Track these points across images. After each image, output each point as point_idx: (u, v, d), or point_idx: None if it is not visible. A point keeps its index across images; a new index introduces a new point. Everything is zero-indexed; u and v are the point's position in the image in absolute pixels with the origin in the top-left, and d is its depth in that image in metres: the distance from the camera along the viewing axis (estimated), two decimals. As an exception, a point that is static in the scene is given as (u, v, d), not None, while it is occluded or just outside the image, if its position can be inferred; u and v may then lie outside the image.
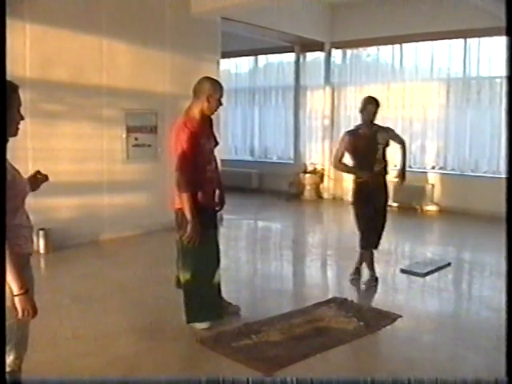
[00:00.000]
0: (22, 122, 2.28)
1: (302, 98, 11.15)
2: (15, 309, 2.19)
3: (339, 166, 5.26)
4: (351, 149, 5.13)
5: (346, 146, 5.14)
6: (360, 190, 5.18)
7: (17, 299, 2.18)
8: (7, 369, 2.29)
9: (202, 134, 3.99)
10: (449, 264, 6.06)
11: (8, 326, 2.23)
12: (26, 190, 2.36)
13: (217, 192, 4.24)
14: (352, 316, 4.32)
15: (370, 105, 5.13)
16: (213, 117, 4.15)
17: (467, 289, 5.80)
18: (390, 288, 5.56)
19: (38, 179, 2.55)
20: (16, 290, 2.18)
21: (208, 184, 4.06)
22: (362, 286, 5.29)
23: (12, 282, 2.17)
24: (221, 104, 4.03)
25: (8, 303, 2.18)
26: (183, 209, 3.87)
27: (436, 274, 5.79)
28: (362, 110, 5.16)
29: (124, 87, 7.09)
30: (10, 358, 2.30)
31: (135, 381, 3.30)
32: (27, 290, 2.21)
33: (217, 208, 4.28)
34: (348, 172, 5.44)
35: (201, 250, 3.93)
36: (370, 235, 5.23)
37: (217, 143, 4.24)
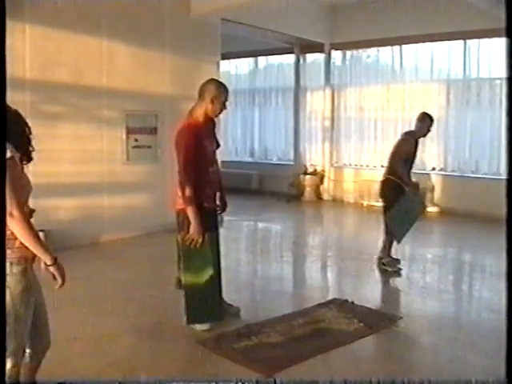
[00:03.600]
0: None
1: (301, 100, 11.15)
2: (53, 277, 2.36)
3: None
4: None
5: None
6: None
7: (52, 268, 2.35)
8: (7, 373, 2.30)
9: (205, 136, 3.99)
10: None
11: (7, 333, 2.23)
12: (30, 185, 2.43)
13: (218, 194, 4.24)
14: (352, 317, 4.32)
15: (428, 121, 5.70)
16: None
17: (467, 290, 5.79)
18: (391, 289, 5.56)
19: None
20: (49, 260, 2.33)
21: (210, 185, 4.06)
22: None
23: (43, 255, 2.33)
24: (225, 107, 4.03)
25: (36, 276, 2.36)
26: (185, 209, 3.87)
27: (436, 276, 5.79)
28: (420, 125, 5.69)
29: (124, 88, 7.09)
30: (7, 366, 2.30)
31: (135, 382, 3.30)
32: (56, 258, 2.36)
33: (219, 210, 4.28)
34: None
35: (202, 251, 3.92)
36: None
37: (218, 145, 4.24)
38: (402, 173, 5.54)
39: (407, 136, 5.76)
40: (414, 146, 5.67)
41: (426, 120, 5.70)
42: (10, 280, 2.28)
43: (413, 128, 5.86)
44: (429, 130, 5.74)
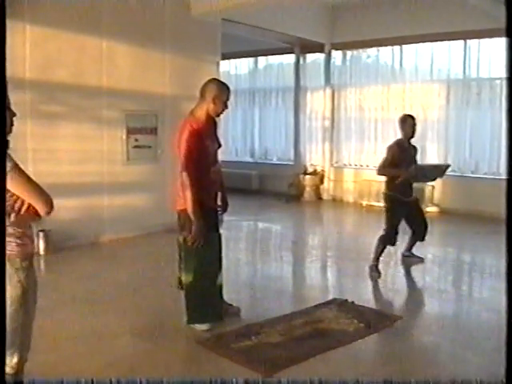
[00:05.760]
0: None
1: (302, 100, 11.15)
2: None
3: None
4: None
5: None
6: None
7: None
8: (11, 371, 2.28)
9: (207, 135, 3.99)
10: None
11: (12, 329, 2.22)
12: None
13: (220, 194, 4.24)
14: (352, 317, 4.32)
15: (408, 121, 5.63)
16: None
17: (467, 290, 5.79)
18: (390, 289, 5.56)
19: None
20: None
21: (212, 185, 4.07)
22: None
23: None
24: (226, 107, 4.03)
25: None
26: (186, 210, 3.86)
27: (436, 276, 5.78)
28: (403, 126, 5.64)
29: (124, 88, 7.09)
30: (13, 361, 2.28)
31: (135, 382, 3.30)
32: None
33: (220, 210, 4.28)
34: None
35: (204, 251, 3.92)
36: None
37: (220, 145, 4.25)
38: (390, 172, 5.53)
39: (391, 143, 5.73)
40: (405, 150, 5.60)
41: (407, 120, 5.63)
42: (21, 274, 2.28)
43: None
44: (414, 130, 5.63)
